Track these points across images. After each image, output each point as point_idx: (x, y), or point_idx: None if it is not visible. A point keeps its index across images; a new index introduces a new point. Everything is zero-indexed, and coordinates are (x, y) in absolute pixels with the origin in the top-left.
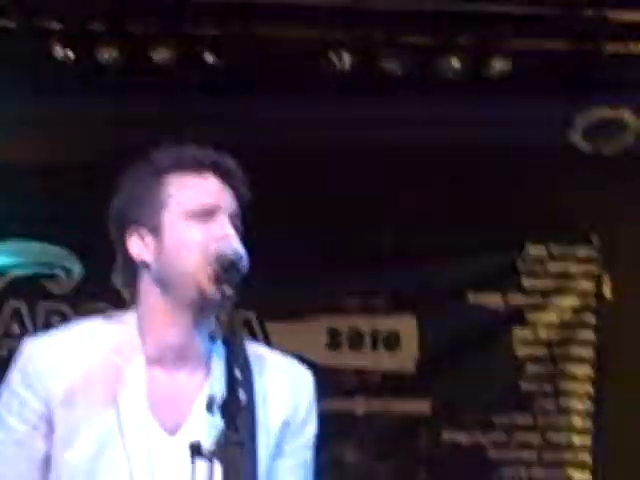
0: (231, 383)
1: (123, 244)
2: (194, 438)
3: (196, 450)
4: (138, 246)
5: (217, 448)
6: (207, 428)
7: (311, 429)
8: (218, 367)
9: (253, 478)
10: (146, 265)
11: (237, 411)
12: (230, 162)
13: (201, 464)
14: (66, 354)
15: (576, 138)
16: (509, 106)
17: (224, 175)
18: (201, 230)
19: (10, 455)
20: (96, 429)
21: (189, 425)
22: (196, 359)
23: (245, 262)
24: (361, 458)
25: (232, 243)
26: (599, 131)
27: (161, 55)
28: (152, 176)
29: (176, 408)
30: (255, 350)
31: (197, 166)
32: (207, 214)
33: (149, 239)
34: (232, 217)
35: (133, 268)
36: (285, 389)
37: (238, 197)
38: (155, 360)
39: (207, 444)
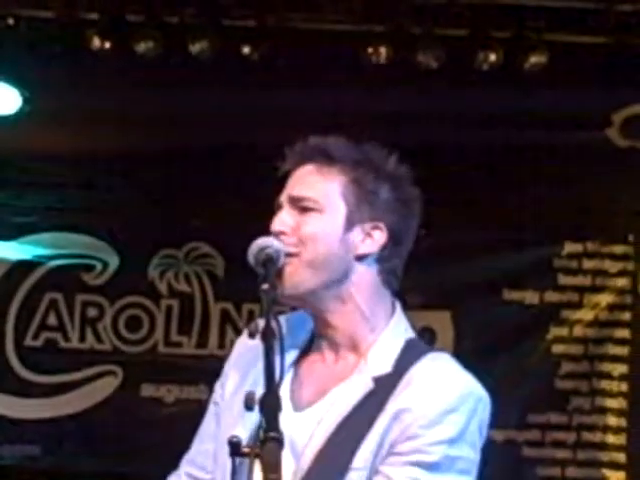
0: (270, 381)
1: None
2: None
3: (235, 447)
4: None
5: (255, 445)
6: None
7: (427, 443)
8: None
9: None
10: None
11: (276, 409)
12: (333, 147)
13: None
14: (246, 343)
15: (613, 134)
16: (545, 101)
17: (323, 162)
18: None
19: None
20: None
21: (318, 405)
22: (344, 348)
23: (275, 255)
24: None
25: (263, 240)
26: (636, 127)
27: (198, 47)
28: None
29: (311, 390)
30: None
31: (301, 159)
32: (280, 207)
33: None
34: (293, 203)
35: None
36: (417, 385)
37: (347, 180)
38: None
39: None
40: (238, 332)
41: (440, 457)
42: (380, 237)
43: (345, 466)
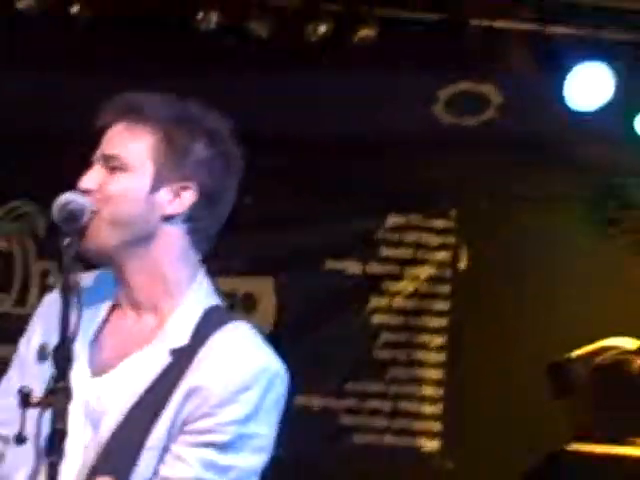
0: (63, 332)
1: None
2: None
3: (25, 397)
4: None
5: (45, 396)
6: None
7: (219, 422)
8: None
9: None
10: None
11: (67, 361)
12: (146, 104)
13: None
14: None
15: (438, 110)
16: (372, 75)
17: (135, 119)
18: None
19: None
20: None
21: (116, 370)
22: (144, 308)
23: (79, 211)
24: None
25: (67, 195)
26: (461, 104)
27: (25, 3)
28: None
29: (111, 353)
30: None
31: (114, 115)
32: (92, 164)
33: None
34: (103, 161)
35: None
36: (214, 359)
37: (157, 139)
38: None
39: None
40: None
41: (233, 436)
42: (189, 197)
43: (140, 445)
